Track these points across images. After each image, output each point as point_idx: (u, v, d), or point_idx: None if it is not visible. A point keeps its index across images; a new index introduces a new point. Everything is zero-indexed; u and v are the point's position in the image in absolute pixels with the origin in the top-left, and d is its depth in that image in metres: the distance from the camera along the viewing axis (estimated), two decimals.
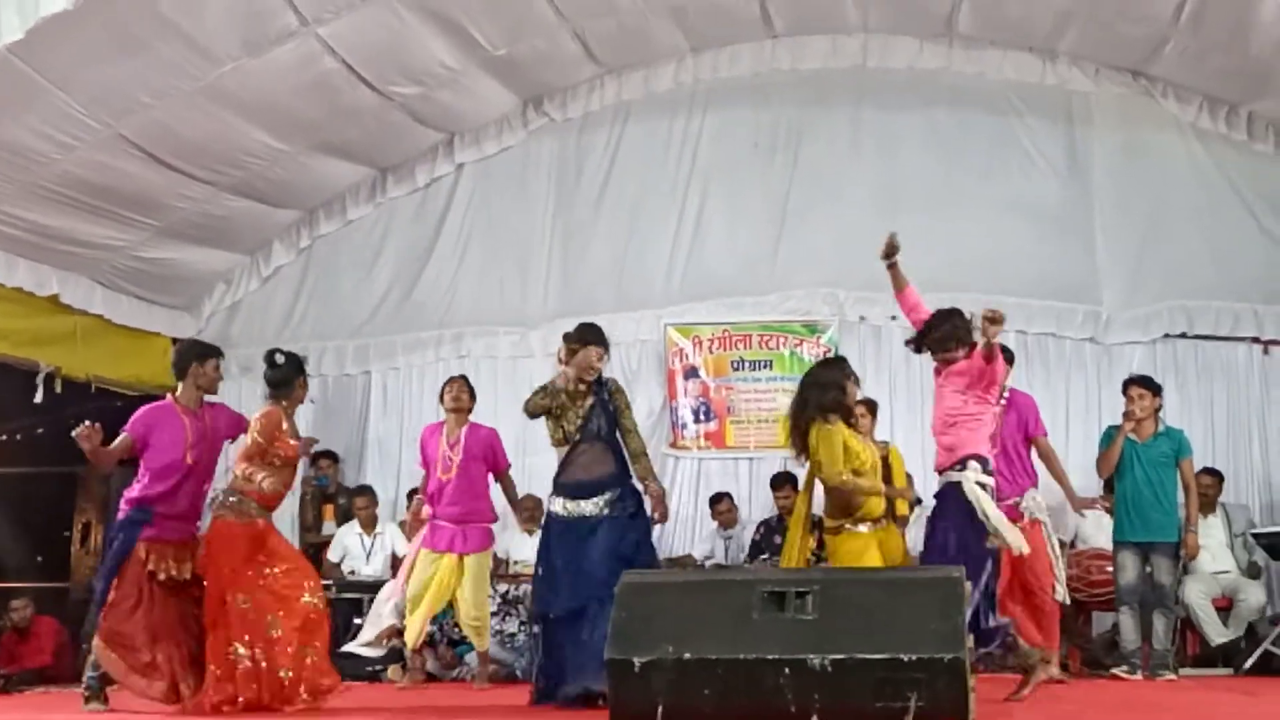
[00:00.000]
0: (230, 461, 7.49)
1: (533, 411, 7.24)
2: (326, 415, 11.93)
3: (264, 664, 6.79)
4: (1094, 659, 9.29)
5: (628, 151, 11.77)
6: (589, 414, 7.17)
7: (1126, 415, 8.81)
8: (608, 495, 7.13)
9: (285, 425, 7.17)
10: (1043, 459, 8.50)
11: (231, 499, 7.03)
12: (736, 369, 11.33)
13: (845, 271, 11.09)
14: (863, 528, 6.83)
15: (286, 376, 7.29)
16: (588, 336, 7.28)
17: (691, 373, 11.34)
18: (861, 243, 11.05)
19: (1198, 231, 10.93)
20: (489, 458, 8.78)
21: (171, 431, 7.19)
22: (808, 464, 6.91)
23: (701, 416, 11.26)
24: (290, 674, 6.82)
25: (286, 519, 11.57)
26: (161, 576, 6.99)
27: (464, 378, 9.01)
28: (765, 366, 11.29)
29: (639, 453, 7.28)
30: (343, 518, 10.97)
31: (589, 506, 7.11)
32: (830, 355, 11.01)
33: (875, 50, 11.39)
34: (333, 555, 10.60)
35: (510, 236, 11.84)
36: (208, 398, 7.43)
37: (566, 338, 7.38)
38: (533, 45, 10.79)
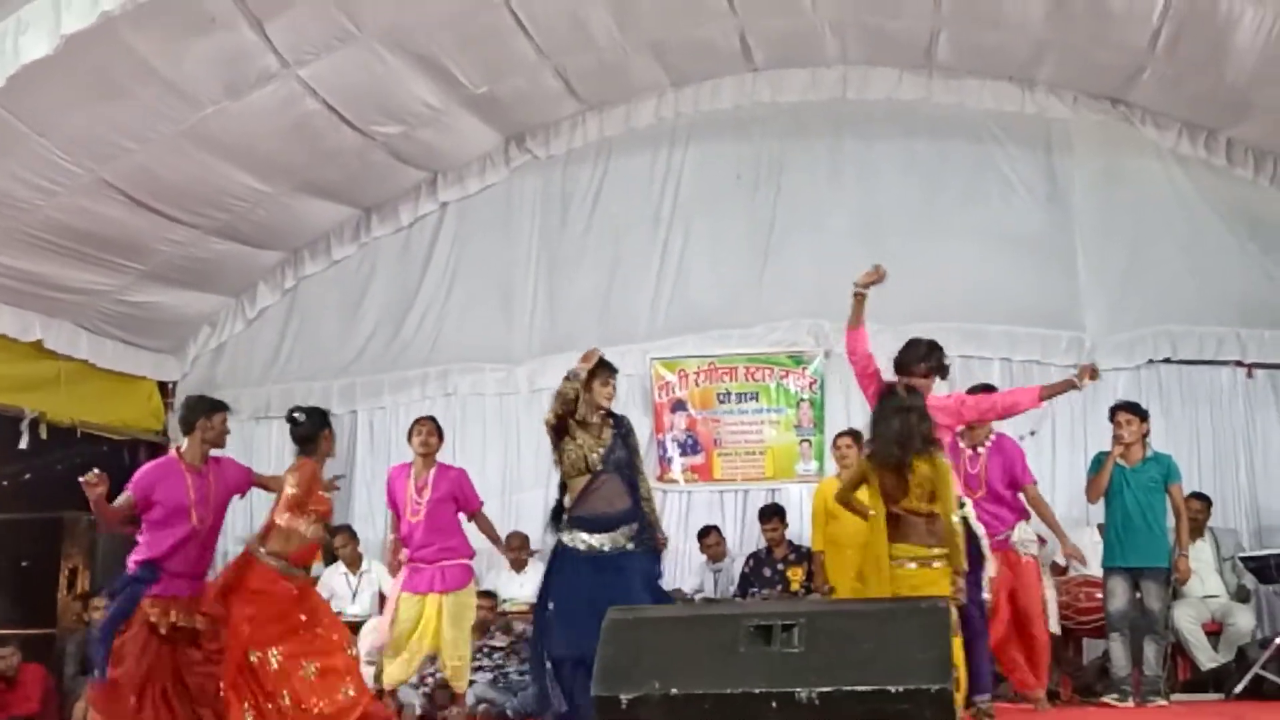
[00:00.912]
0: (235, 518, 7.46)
1: (556, 418, 7.13)
2: None
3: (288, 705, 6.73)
4: (1085, 686, 9.27)
5: (611, 187, 11.81)
6: (612, 444, 7.15)
7: (1116, 440, 8.82)
8: (633, 526, 7.07)
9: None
10: (1033, 507, 8.53)
11: (270, 558, 6.97)
12: (723, 401, 11.33)
13: (829, 302, 10.98)
14: (939, 564, 6.48)
15: (311, 433, 7.27)
16: (597, 369, 7.26)
17: (678, 406, 11.34)
18: (844, 273, 10.97)
19: (1179, 256, 10.95)
20: (459, 498, 8.72)
21: (175, 490, 7.14)
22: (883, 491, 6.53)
23: (688, 449, 11.26)
24: (324, 705, 6.77)
25: None
26: (163, 630, 6.93)
27: (432, 419, 8.95)
28: (752, 399, 11.29)
29: (648, 497, 7.27)
30: (329, 558, 10.92)
31: (610, 540, 7.01)
32: (817, 386, 11.07)
33: (854, 81, 11.45)
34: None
35: (495, 274, 11.86)
36: (214, 451, 7.37)
37: (571, 377, 7.28)
38: (514, 83, 10.84)
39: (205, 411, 7.39)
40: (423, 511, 8.49)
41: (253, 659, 6.85)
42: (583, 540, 7.03)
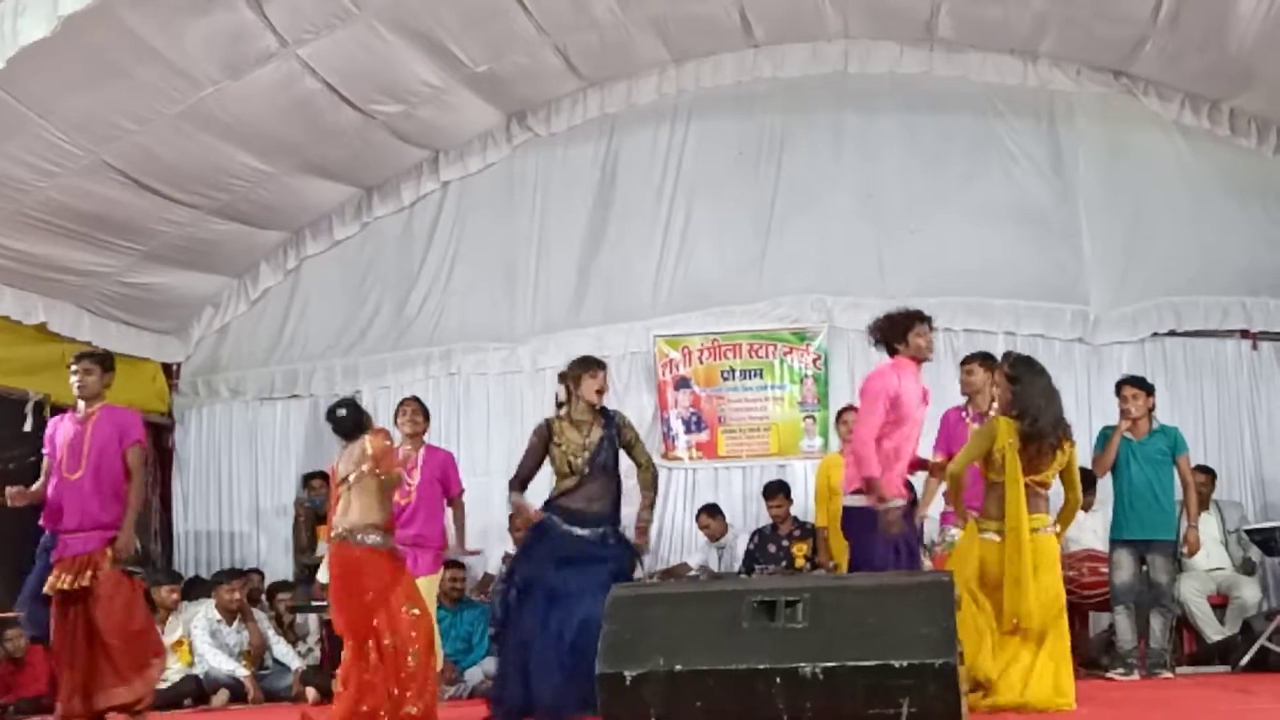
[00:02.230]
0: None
1: (522, 477, 7.31)
2: (318, 436, 11.91)
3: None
4: (1090, 660, 9.27)
5: (612, 164, 11.77)
6: (599, 446, 7.22)
7: (1123, 415, 8.81)
8: (604, 530, 7.18)
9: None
10: None
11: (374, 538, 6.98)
12: (727, 378, 11.33)
13: (832, 278, 11.13)
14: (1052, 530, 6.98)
15: (357, 423, 7.21)
16: (579, 367, 7.35)
17: (682, 383, 11.33)
18: (847, 248, 11.18)
19: (1183, 228, 10.93)
20: (444, 481, 8.76)
21: (55, 441, 7.35)
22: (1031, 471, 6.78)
23: (693, 427, 11.25)
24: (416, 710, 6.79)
25: (280, 540, 11.61)
26: (52, 593, 7.08)
27: (417, 399, 8.99)
28: (756, 375, 11.29)
29: (647, 486, 7.35)
30: None
31: (584, 533, 7.14)
32: (821, 362, 11.06)
33: (856, 56, 11.40)
34: (323, 576, 10.54)
35: (497, 252, 11.84)
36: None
37: (562, 377, 7.43)
38: (514, 61, 10.79)
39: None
40: (413, 493, 8.50)
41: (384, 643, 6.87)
42: (559, 524, 7.17)
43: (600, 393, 7.30)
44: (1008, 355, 7.22)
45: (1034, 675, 6.53)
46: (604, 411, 7.34)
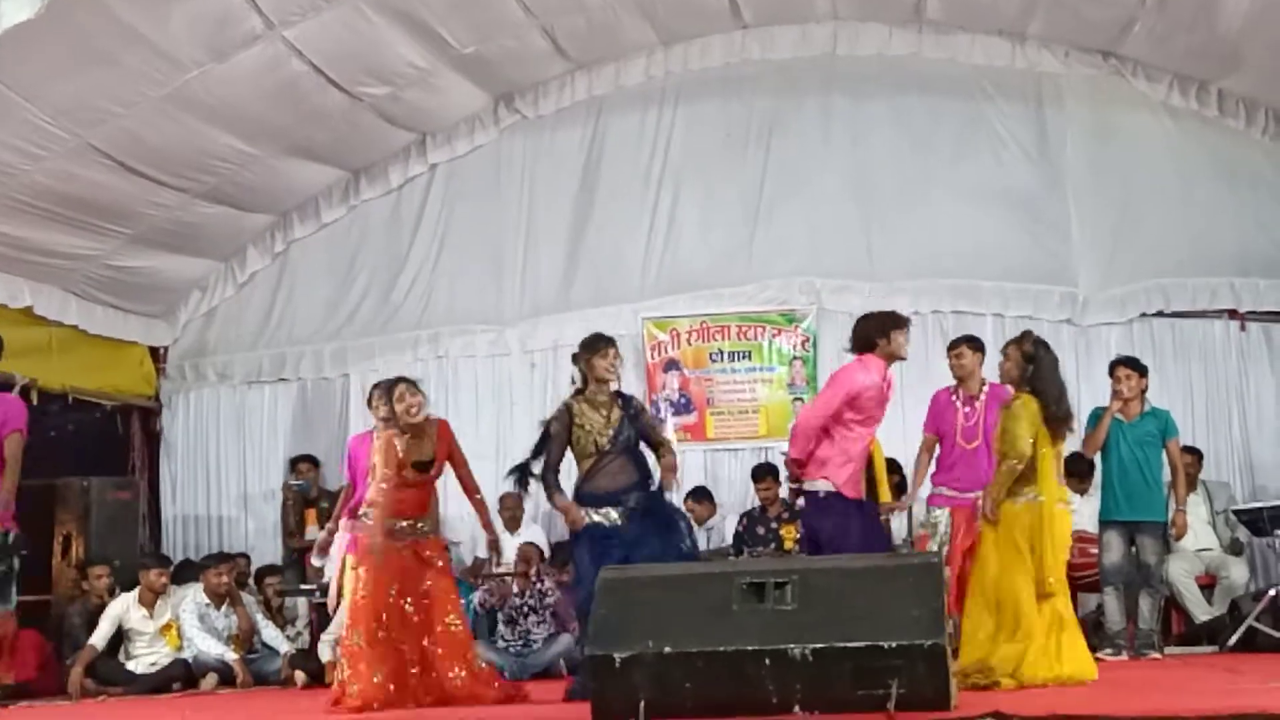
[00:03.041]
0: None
1: (554, 464, 7.35)
2: (306, 419, 11.94)
3: None
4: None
5: (600, 147, 11.75)
6: (620, 426, 7.28)
7: (1115, 395, 8.82)
8: (638, 495, 7.25)
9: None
10: None
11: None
12: (715, 360, 11.32)
13: (821, 260, 11.13)
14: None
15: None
16: (587, 349, 7.40)
17: (670, 366, 11.33)
18: (836, 231, 11.18)
19: (1172, 209, 10.95)
20: None
21: None
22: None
23: (681, 409, 11.24)
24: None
25: (269, 525, 11.60)
26: None
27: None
28: (744, 357, 11.28)
29: (669, 466, 7.42)
30: (324, 522, 10.91)
31: (617, 513, 7.20)
32: (809, 344, 11.06)
33: (845, 38, 11.38)
34: (316, 559, 10.53)
35: (485, 235, 11.81)
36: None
37: (575, 359, 7.49)
38: (502, 43, 10.75)
39: None
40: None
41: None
42: (591, 515, 7.22)
43: (611, 369, 7.36)
44: (1028, 334, 7.28)
45: (1065, 648, 6.68)
46: (620, 394, 7.43)
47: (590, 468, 7.27)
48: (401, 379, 7.51)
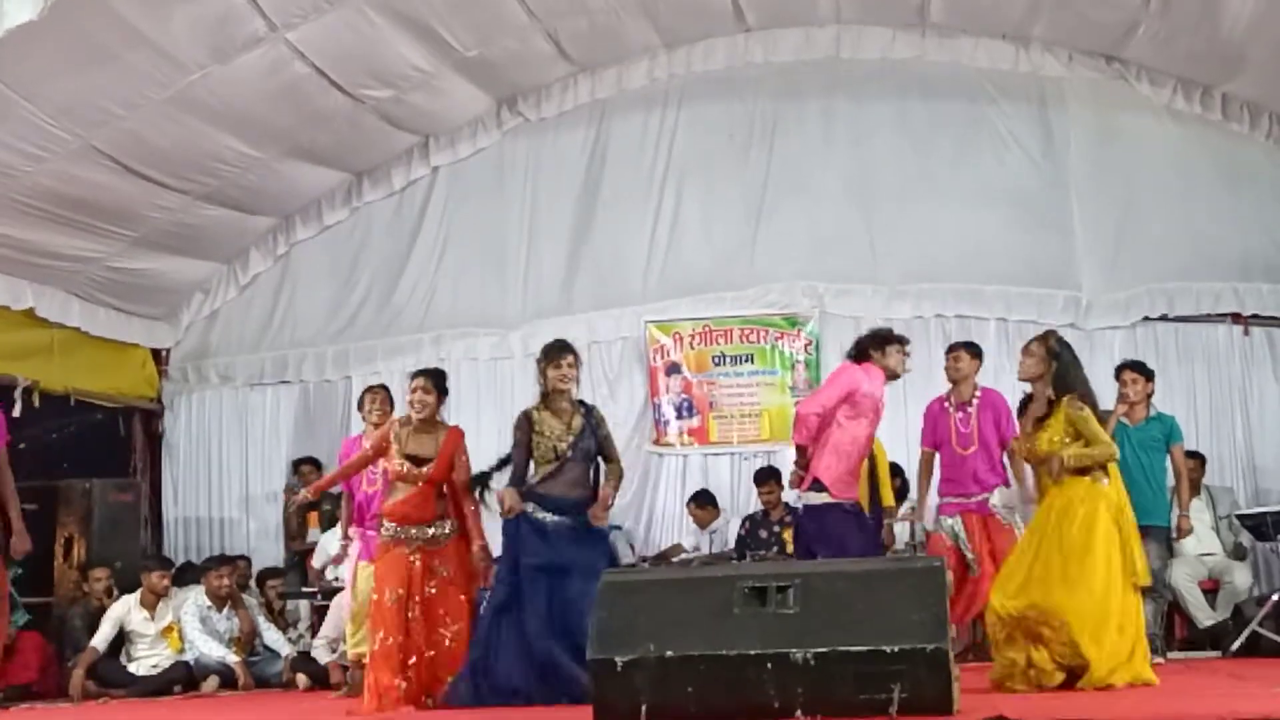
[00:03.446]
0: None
1: (520, 472, 7.33)
2: (308, 422, 11.94)
3: None
4: None
5: (603, 149, 11.75)
6: (580, 434, 7.28)
7: (1120, 399, 8.80)
8: (583, 519, 7.25)
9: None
10: (1010, 459, 8.54)
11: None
12: (718, 364, 11.31)
13: (823, 263, 11.13)
14: None
15: None
16: (543, 357, 7.42)
17: (673, 369, 11.31)
18: (838, 234, 11.17)
19: (1175, 213, 10.93)
20: None
21: None
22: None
23: (684, 413, 11.23)
24: None
25: (271, 527, 11.60)
26: None
27: (385, 387, 8.96)
28: (747, 361, 11.27)
29: (616, 477, 7.44)
30: (327, 524, 10.91)
31: (564, 521, 7.20)
32: (813, 348, 11.05)
33: (848, 41, 11.38)
34: (317, 562, 10.55)
35: (487, 238, 11.81)
36: None
37: (539, 362, 7.47)
38: (505, 46, 10.75)
39: None
40: (380, 480, 8.43)
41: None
42: (539, 513, 7.20)
43: (564, 379, 7.31)
44: (1051, 333, 7.26)
45: (1139, 650, 6.60)
46: (581, 403, 7.42)
47: (549, 473, 7.25)
48: (423, 372, 7.53)
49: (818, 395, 7.88)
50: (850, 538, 7.53)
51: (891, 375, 7.85)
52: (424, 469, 7.35)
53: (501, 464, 7.44)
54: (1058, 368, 6.92)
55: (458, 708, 6.95)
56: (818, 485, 7.65)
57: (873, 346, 7.81)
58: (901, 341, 7.92)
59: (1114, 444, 6.95)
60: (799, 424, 7.81)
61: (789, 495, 9.17)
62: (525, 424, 7.31)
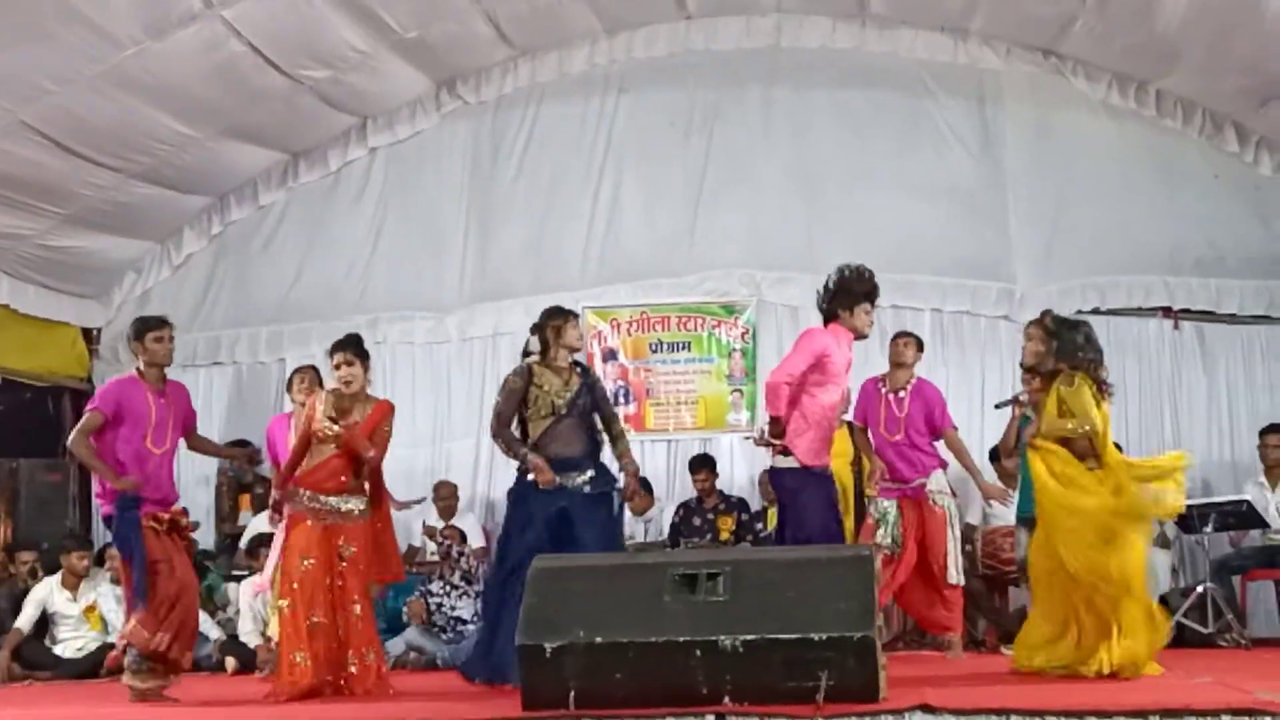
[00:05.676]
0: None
1: (506, 420, 7.33)
2: (241, 404, 11.82)
3: None
4: (1008, 634, 9.31)
5: (542, 134, 11.70)
6: (579, 391, 7.33)
7: (1016, 398, 8.81)
8: (589, 473, 7.27)
9: None
10: (951, 449, 8.59)
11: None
12: (655, 351, 11.31)
13: (761, 252, 11.15)
14: None
15: None
16: (559, 316, 7.44)
17: (610, 355, 11.31)
18: (777, 223, 11.19)
19: (1109, 208, 11.04)
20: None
21: (138, 408, 7.17)
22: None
23: (621, 399, 11.21)
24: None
25: (202, 510, 11.47)
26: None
27: (314, 368, 8.90)
28: (684, 348, 11.28)
29: (622, 435, 7.53)
30: (259, 507, 10.83)
31: (567, 480, 7.19)
32: (749, 336, 11.07)
33: (789, 30, 11.40)
34: (246, 544, 10.46)
35: (425, 220, 11.73)
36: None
37: (537, 328, 7.46)
38: (444, 28, 10.69)
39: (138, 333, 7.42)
40: None
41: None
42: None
43: (581, 338, 7.57)
44: (1047, 312, 7.33)
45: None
46: (578, 364, 7.50)
47: (545, 430, 7.26)
48: (339, 345, 7.37)
49: (786, 363, 7.62)
50: (814, 507, 7.47)
51: (859, 335, 7.69)
52: (344, 425, 7.18)
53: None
54: (1058, 345, 6.91)
55: (477, 683, 7.04)
56: (787, 452, 7.52)
57: (842, 306, 7.58)
58: (872, 299, 7.71)
59: (1094, 419, 6.85)
60: (770, 394, 7.53)
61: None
62: (526, 374, 7.32)
